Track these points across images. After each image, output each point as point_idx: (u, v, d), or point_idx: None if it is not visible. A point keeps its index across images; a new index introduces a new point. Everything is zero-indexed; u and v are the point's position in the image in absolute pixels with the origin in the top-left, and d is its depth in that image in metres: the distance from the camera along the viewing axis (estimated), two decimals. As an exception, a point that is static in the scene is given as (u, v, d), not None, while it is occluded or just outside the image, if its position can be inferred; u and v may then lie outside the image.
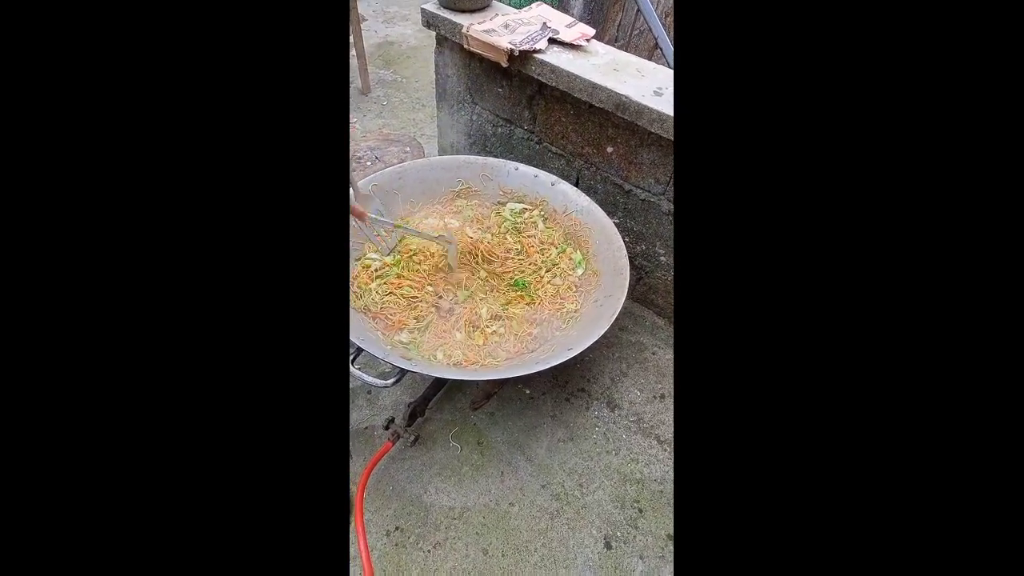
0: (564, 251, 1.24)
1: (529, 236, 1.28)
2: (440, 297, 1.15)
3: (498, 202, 1.32)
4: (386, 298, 1.12)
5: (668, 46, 1.84)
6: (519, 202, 1.31)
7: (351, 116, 2.09)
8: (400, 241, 1.19)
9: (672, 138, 1.08)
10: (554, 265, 1.22)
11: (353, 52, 2.10)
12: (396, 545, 1.01)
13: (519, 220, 1.30)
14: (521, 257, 1.23)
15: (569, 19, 1.30)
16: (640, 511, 1.09)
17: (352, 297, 1.10)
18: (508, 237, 1.27)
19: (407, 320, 1.09)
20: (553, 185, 1.27)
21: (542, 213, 1.30)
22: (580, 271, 1.20)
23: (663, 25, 1.91)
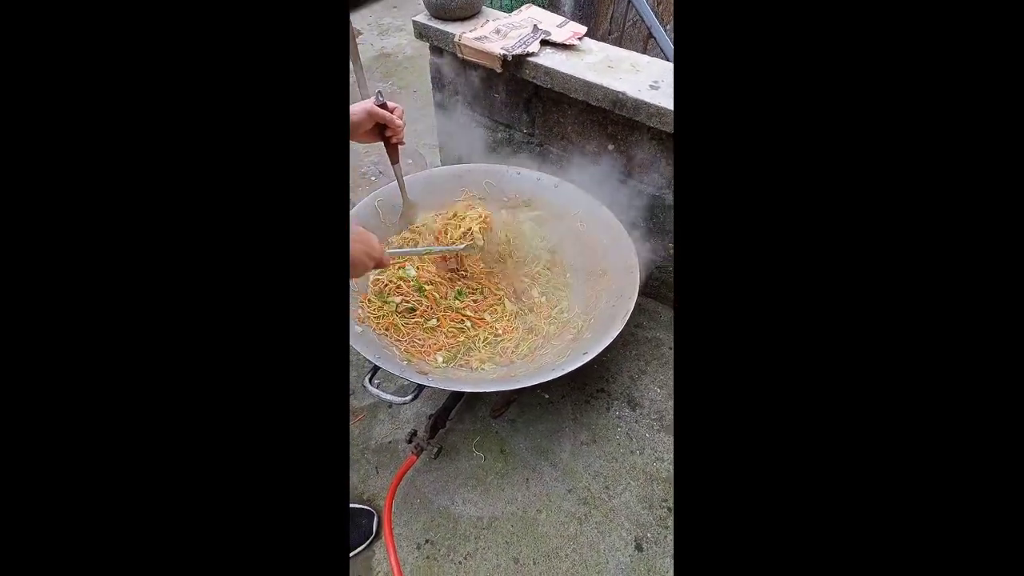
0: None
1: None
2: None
3: (507, 206, 1.32)
4: (410, 324, 1.12)
5: (662, 34, 1.81)
6: (528, 206, 1.31)
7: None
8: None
9: (671, 131, 1.06)
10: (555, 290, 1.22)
11: (351, 67, 2.11)
12: (427, 558, 1.02)
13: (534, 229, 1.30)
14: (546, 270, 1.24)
15: (560, 19, 1.29)
16: (669, 510, 1.08)
17: (372, 320, 1.11)
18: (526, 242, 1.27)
19: (439, 342, 1.10)
20: (556, 187, 1.27)
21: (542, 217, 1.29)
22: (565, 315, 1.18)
23: (655, 13, 1.88)
